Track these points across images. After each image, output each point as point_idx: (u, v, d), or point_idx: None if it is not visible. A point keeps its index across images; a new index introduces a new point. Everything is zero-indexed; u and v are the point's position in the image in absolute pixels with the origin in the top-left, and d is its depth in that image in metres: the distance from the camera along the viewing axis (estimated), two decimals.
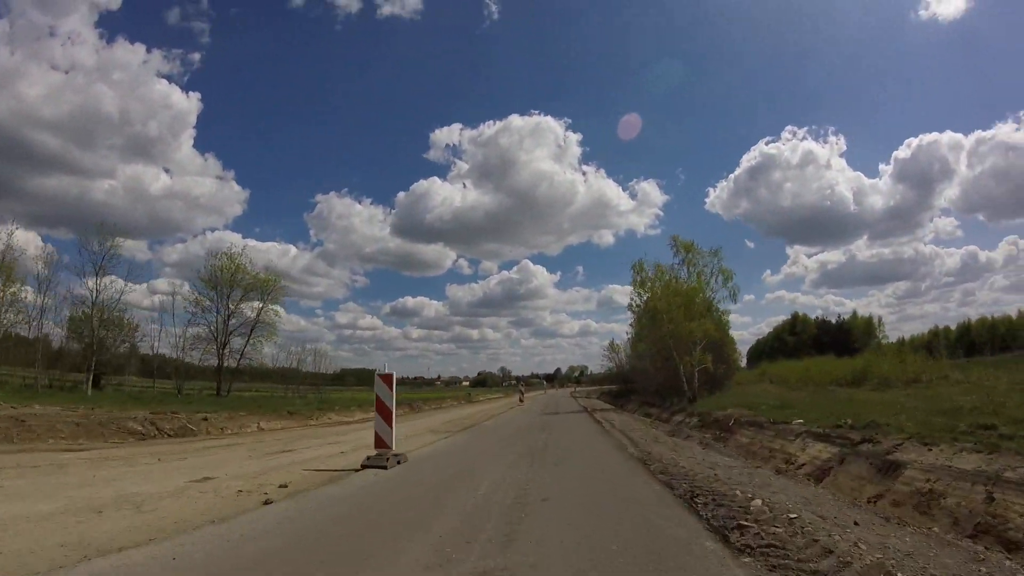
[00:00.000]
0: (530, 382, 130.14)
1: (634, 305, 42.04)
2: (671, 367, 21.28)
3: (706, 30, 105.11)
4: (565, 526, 4.51)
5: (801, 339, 68.09)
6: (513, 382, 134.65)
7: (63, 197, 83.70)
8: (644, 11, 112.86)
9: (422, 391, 70.79)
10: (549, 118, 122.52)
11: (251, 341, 29.84)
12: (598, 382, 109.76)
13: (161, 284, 73.02)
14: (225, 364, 29.79)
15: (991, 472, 5.21)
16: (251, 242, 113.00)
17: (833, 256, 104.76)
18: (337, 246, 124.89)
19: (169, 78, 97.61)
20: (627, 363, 42.32)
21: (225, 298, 29.14)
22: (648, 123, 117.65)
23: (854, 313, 73.63)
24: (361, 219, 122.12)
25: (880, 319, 72.29)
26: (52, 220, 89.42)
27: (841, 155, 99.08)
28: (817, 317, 75.81)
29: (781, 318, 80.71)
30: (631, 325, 44.21)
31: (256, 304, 30.18)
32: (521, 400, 38.05)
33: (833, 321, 73.56)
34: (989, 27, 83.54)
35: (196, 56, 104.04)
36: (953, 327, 66.60)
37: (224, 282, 29.03)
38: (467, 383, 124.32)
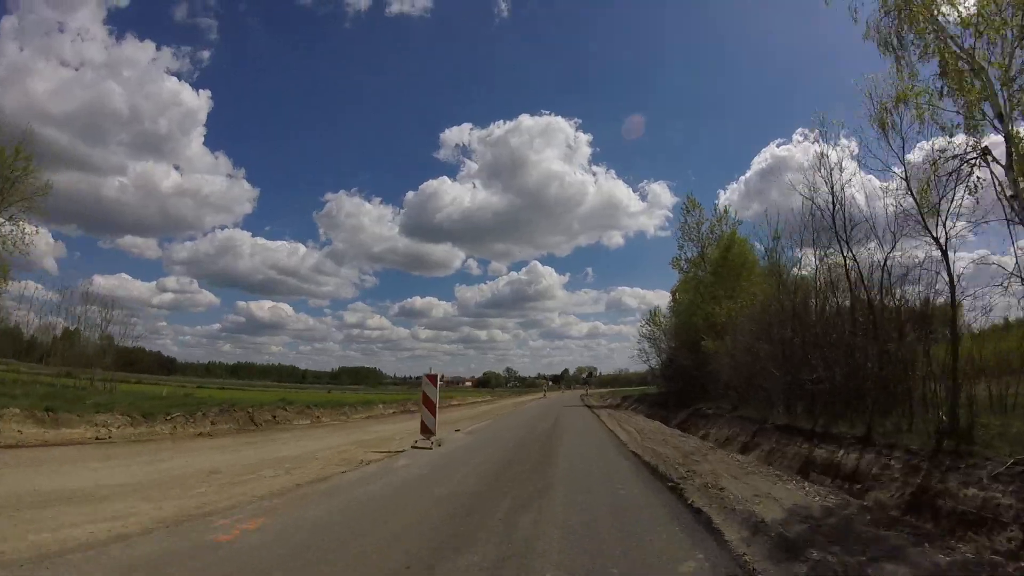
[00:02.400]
0: (537, 383, 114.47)
1: (680, 261, 26.97)
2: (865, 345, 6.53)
3: (717, 32, 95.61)
4: None
5: None
6: (514, 384, 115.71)
7: (73, 193, 73.42)
8: (655, 12, 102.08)
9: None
10: (559, 118, 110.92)
11: None
12: (607, 383, 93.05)
13: (170, 282, 62.22)
14: None
15: None
16: (260, 240, 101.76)
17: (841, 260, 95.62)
18: (346, 245, 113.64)
19: (179, 75, 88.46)
20: (672, 350, 27.28)
21: None
22: (658, 124, 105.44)
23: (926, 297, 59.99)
24: (370, 218, 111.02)
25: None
26: (63, 216, 79.39)
27: (853, 157, 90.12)
28: None
29: None
30: (673, 293, 29.02)
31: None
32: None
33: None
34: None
35: (205, 54, 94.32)
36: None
37: None
38: (470, 383, 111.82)
